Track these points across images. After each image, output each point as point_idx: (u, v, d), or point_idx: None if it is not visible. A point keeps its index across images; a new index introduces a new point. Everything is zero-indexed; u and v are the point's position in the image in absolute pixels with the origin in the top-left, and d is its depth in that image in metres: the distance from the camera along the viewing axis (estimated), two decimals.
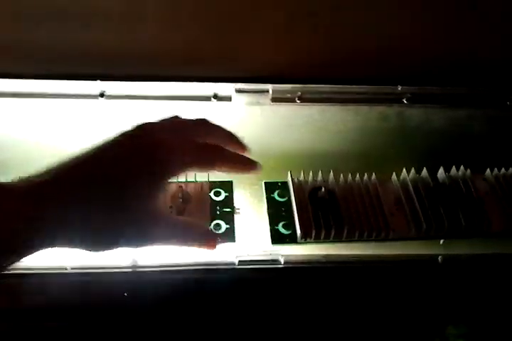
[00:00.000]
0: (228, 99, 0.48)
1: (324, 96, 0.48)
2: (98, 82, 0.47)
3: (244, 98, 0.48)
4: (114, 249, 0.32)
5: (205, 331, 0.37)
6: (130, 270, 0.38)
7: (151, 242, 0.34)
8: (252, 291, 0.38)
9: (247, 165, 0.39)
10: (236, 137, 0.39)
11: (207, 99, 0.48)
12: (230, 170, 0.38)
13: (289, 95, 0.48)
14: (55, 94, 0.47)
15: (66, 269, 0.37)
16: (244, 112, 0.48)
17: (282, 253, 0.39)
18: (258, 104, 0.48)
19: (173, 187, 0.43)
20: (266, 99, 0.47)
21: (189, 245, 0.36)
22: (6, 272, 0.37)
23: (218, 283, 0.38)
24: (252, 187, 0.46)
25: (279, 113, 0.48)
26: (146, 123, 0.36)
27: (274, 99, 0.48)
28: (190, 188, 0.43)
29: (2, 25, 0.45)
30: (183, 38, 0.47)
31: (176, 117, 0.38)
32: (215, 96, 0.48)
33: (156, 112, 0.47)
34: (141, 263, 0.38)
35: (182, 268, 0.38)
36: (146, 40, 0.46)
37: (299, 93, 0.48)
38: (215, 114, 0.48)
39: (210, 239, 0.37)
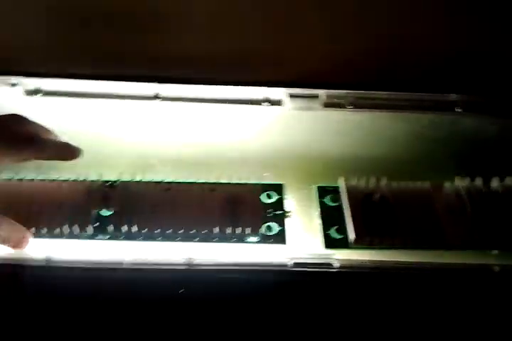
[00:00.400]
0: (279, 103, 0.48)
1: (376, 102, 0.48)
2: (154, 84, 0.48)
3: (295, 103, 0.48)
4: None
5: (256, 331, 0.36)
6: (185, 268, 0.38)
7: None
8: (304, 294, 0.37)
9: (66, 152, 0.41)
10: (47, 129, 0.41)
11: (258, 103, 0.48)
12: (48, 158, 0.40)
13: (340, 101, 0.48)
14: (112, 95, 0.48)
15: (122, 264, 0.38)
16: (295, 117, 0.48)
17: (336, 258, 0.38)
18: (309, 109, 0.48)
19: None
20: (317, 104, 0.48)
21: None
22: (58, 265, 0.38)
23: (270, 284, 0.38)
24: (303, 191, 0.46)
25: (330, 118, 0.49)
26: None
27: (326, 105, 0.48)
28: (242, 190, 0.44)
29: (71, 28, 0.47)
30: (238, 42, 0.47)
31: None
32: (267, 101, 0.48)
33: (207, 115, 0.50)
34: (195, 261, 0.38)
35: (235, 267, 0.37)
36: (201, 44, 0.47)
37: (351, 99, 0.48)
38: (266, 118, 0.49)
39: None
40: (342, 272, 0.37)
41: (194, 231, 0.41)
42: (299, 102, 0.47)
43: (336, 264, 0.38)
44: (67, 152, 0.42)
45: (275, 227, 0.42)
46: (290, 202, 0.44)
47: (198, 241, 0.41)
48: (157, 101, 0.48)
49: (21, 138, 0.38)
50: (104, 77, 0.47)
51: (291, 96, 0.47)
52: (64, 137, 0.45)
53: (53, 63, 0.49)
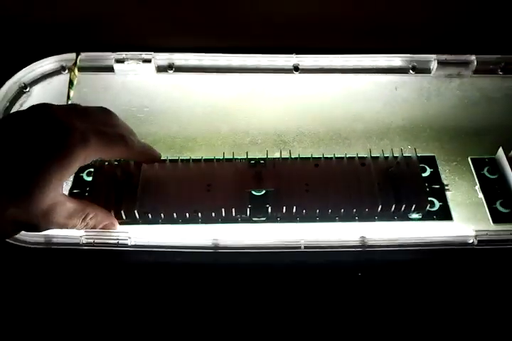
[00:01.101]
0: (428, 71, 0.45)
1: None
2: (292, 55, 0.46)
3: (444, 70, 0.45)
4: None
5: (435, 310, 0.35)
6: (360, 249, 0.36)
7: (48, 229, 0.35)
8: (492, 272, 0.36)
9: (149, 155, 0.40)
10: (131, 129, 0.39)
11: (405, 71, 0.46)
12: (133, 158, 0.39)
13: (491, 66, 0.45)
14: (250, 69, 0.46)
15: (300, 247, 0.37)
16: (442, 85, 0.46)
17: None
18: (458, 76, 0.45)
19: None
20: (468, 70, 0.45)
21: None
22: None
23: (454, 264, 0.37)
24: (453, 164, 0.43)
25: (479, 85, 0.46)
26: (47, 105, 0.35)
27: (477, 71, 0.45)
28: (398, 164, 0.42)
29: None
30: (375, 9, 0.45)
31: (76, 105, 0.37)
32: (413, 69, 0.45)
33: (349, 86, 0.47)
34: (369, 242, 0.37)
35: (418, 248, 0.36)
36: (335, 12, 0.44)
37: (503, 64, 0.45)
38: (411, 86, 0.47)
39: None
40: None
41: (354, 210, 0.40)
42: (449, 69, 0.45)
43: None
44: (152, 155, 0.40)
45: (436, 203, 0.41)
46: (444, 176, 0.42)
47: (358, 220, 0.40)
48: (295, 73, 0.46)
49: (112, 134, 0.36)
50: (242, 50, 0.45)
51: (441, 63, 0.45)
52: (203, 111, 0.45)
53: (181, 38, 0.47)
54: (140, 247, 0.38)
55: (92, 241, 0.38)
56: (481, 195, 0.41)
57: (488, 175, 0.42)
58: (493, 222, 0.40)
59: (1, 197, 0.31)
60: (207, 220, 0.40)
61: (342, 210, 0.39)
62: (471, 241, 0.36)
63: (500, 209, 0.40)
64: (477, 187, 0.42)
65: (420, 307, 0.36)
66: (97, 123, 0.36)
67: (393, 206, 0.39)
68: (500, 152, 0.42)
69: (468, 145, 0.44)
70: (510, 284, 0.36)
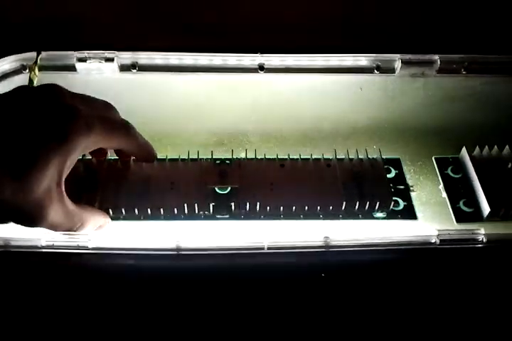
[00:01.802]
0: (392, 71, 0.46)
1: (491, 67, 0.45)
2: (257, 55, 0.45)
3: (409, 70, 0.45)
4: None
5: (403, 312, 0.35)
6: (323, 250, 0.36)
7: (41, 225, 0.33)
8: (453, 271, 0.36)
9: (150, 151, 0.39)
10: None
11: (370, 71, 0.46)
12: (132, 151, 0.38)
13: (455, 66, 0.45)
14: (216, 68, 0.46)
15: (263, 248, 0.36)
16: (406, 84, 0.46)
17: (482, 232, 0.37)
18: (422, 75, 0.45)
19: None
20: (431, 70, 0.45)
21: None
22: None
23: (417, 263, 0.37)
24: (418, 164, 0.44)
25: (442, 85, 0.46)
26: (56, 86, 0.34)
27: (440, 70, 0.45)
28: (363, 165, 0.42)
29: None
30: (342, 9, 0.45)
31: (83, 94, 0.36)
32: (378, 68, 0.46)
33: (314, 86, 0.47)
34: (332, 242, 0.37)
35: (380, 248, 0.36)
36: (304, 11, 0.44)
37: (466, 63, 0.45)
38: (376, 86, 0.47)
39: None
40: (490, 247, 0.36)
41: (319, 208, 0.40)
42: (413, 69, 0.45)
43: (484, 239, 0.36)
44: (151, 151, 0.39)
45: (401, 202, 0.41)
46: (409, 176, 0.43)
47: (323, 218, 0.40)
48: (261, 73, 0.45)
49: (116, 122, 0.36)
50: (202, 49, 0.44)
51: (405, 62, 0.45)
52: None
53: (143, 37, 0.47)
54: (101, 250, 0.37)
55: (51, 243, 0.37)
56: (444, 195, 0.42)
57: (452, 175, 0.43)
58: (457, 222, 0.40)
59: None
60: (169, 217, 0.40)
61: (306, 208, 0.39)
62: (433, 241, 0.36)
63: (464, 208, 0.41)
64: (441, 186, 0.42)
65: (384, 307, 0.36)
66: (101, 112, 0.35)
67: (357, 203, 0.39)
68: (464, 151, 0.43)
69: (432, 144, 0.44)
70: (472, 283, 0.36)
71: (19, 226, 0.33)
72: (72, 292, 0.36)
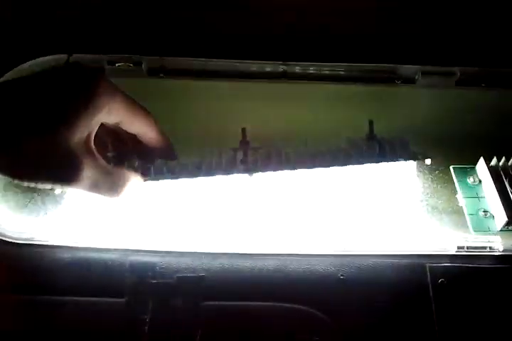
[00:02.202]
0: (412, 81, 0.47)
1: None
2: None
3: (428, 81, 0.46)
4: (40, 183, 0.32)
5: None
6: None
7: (78, 180, 0.33)
8: (469, 280, 0.37)
9: (170, 145, 0.39)
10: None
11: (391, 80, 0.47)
12: (151, 138, 0.38)
13: (473, 78, 0.46)
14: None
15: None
16: (427, 95, 0.47)
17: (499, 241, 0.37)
18: (443, 87, 0.46)
19: None
20: (451, 81, 0.46)
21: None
22: None
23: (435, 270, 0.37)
24: (436, 173, 0.44)
25: (463, 96, 0.47)
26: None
27: (459, 83, 0.46)
28: None
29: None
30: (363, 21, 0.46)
31: None
32: (399, 78, 0.47)
33: (335, 95, 0.48)
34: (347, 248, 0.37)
35: (394, 252, 0.37)
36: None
37: (485, 76, 0.46)
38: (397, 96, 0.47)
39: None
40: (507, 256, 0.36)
41: None
42: (433, 80, 0.46)
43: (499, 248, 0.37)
44: (170, 146, 0.40)
45: None
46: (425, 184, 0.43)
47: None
48: (283, 80, 0.47)
49: (138, 105, 0.37)
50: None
51: (426, 73, 0.46)
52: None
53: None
54: None
55: None
56: (462, 203, 0.43)
57: (470, 184, 0.43)
58: (474, 231, 0.41)
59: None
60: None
61: None
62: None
63: (481, 217, 0.41)
64: (458, 195, 0.43)
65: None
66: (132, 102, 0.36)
67: None
68: (481, 161, 0.43)
69: (450, 154, 0.45)
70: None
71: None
72: None
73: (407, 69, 0.47)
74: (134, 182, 0.37)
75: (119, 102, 0.35)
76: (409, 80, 0.47)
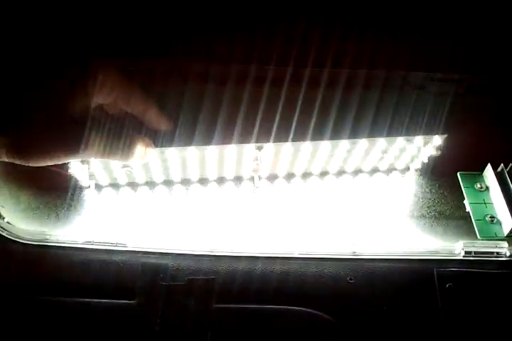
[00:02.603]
0: (421, 87, 0.47)
1: None
2: None
3: (436, 87, 0.47)
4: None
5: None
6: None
7: (85, 151, 0.34)
8: (476, 284, 0.37)
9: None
10: None
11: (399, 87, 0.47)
12: (147, 111, 0.39)
13: (481, 86, 0.46)
14: None
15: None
16: (434, 101, 0.47)
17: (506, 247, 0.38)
18: (451, 93, 0.47)
19: None
20: (460, 88, 0.47)
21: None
22: None
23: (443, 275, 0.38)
24: (443, 179, 0.45)
25: (470, 103, 0.47)
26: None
27: (468, 89, 0.47)
28: None
29: None
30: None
31: None
32: (408, 84, 0.47)
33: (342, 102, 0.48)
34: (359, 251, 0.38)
35: (403, 257, 0.37)
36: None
37: (492, 84, 0.46)
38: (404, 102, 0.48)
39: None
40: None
41: None
42: (441, 87, 0.46)
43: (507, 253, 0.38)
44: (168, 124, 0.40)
45: None
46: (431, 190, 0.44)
47: None
48: None
49: (136, 86, 0.38)
50: None
51: (433, 80, 0.46)
52: None
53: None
54: None
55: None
56: (468, 209, 0.43)
57: (477, 190, 0.44)
58: (480, 236, 0.41)
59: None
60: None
61: None
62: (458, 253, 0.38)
63: (488, 223, 0.42)
64: (465, 201, 0.44)
65: None
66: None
67: None
68: (488, 168, 0.44)
69: (457, 160, 0.45)
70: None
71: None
72: None
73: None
74: (145, 146, 0.38)
75: (115, 77, 0.36)
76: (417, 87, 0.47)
